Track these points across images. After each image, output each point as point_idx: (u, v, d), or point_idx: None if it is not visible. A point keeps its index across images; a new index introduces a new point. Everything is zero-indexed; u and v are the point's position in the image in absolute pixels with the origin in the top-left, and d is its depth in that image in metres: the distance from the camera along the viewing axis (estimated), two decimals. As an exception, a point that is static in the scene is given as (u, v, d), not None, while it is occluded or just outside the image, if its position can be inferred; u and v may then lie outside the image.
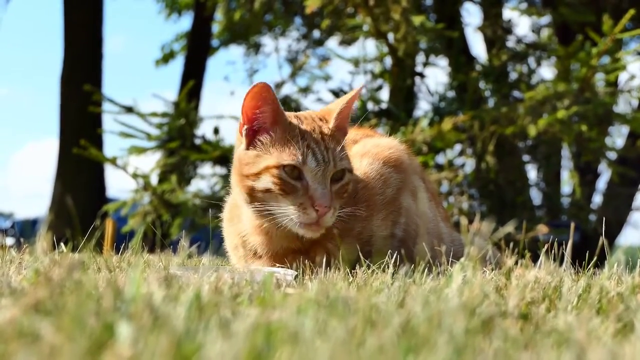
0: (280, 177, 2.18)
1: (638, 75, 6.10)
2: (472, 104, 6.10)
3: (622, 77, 6.71)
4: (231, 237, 2.50)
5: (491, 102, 6.50)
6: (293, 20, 9.00)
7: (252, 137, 2.28)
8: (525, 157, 6.90)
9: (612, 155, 7.33)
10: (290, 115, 2.30)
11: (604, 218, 6.75)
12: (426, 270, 1.92)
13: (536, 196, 7.19)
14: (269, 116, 2.25)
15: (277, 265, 2.31)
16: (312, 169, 2.18)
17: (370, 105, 6.28)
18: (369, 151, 2.48)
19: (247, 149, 2.27)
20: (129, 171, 6.25)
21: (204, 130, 16.28)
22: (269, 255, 2.34)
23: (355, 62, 6.96)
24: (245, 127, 2.27)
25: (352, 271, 2.02)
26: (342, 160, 2.25)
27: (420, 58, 6.93)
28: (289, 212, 2.18)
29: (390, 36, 5.99)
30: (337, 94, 6.48)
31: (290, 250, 2.34)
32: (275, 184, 2.18)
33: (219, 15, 9.23)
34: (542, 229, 5.39)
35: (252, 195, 2.24)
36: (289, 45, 9.27)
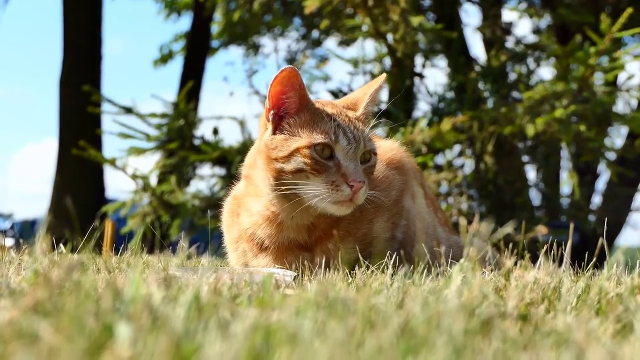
0: (312, 157, 2.20)
1: (637, 75, 6.10)
2: (471, 105, 6.10)
3: (621, 76, 6.71)
4: (232, 231, 2.51)
5: (490, 103, 6.50)
6: (292, 20, 9.00)
7: (278, 122, 2.30)
8: (525, 158, 6.89)
9: (611, 156, 7.33)
10: (313, 101, 2.34)
11: (603, 218, 6.74)
12: (425, 271, 1.92)
13: (535, 197, 7.19)
14: (296, 101, 2.28)
15: (277, 265, 2.32)
16: (344, 147, 2.22)
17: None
18: None
19: (274, 133, 2.29)
20: (128, 172, 6.25)
21: (203, 131, 16.25)
22: (275, 248, 2.35)
23: (355, 63, 6.97)
24: (272, 112, 2.29)
25: (352, 272, 2.02)
26: (370, 141, 2.30)
27: (419, 59, 6.93)
28: (320, 191, 2.20)
29: (390, 37, 5.99)
30: (336, 94, 6.48)
31: (296, 243, 2.35)
32: (306, 164, 2.21)
33: (218, 15, 9.23)
34: (541, 230, 5.39)
35: (281, 179, 2.25)
36: (288, 46, 9.28)
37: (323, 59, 8.88)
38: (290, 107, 2.28)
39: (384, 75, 2.46)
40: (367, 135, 2.30)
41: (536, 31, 8.57)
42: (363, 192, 2.20)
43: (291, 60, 9.15)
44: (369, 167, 2.30)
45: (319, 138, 2.21)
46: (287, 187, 2.23)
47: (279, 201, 2.29)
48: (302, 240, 2.36)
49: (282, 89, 2.26)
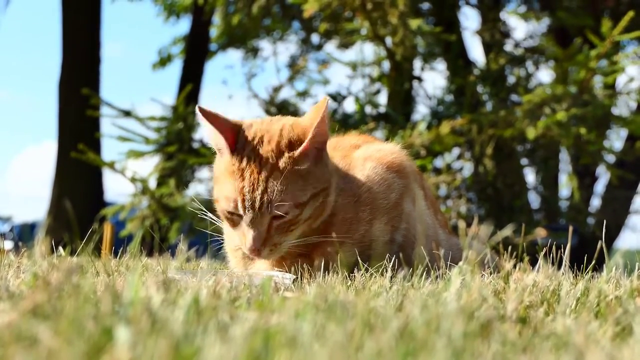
0: (223, 214, 2.24)
1: (636, 78, 6.11)
2: (470, 108, 6.11)
3: (621, 79, 6.72)
4: (232, 238, 2.51)
5: (489, 106, 6.51)
6: (291, 24, 9.01)
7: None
8: (524, 161, 6.90)
9: (611, 158, 7.35)
10: (250, 134, 2.23)
11: (602, 221, 6.75)
12: (424, 274, 1.92)
13: (534, 199, 7.21)
14: (214, 141, 2.26)
15: (276, 269, 2.32)
16: (242, 216, 2.16)
17: (368, 109, 6.30)
18: (371, 155, 2.48)
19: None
20: (127, 175, 6.25)
21: (202, 134, 16.27)
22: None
23: (353, 66, 6.98)
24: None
25: (351, 275, 2.02)
26: (284, 204, 2.14)
27: (418, 62, 6.95)
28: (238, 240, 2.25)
29: (388, 40, 6.00)
30: (335, 97, 6.48)
31: (290, 251, 2.34)
32: (221, 214, 2.25)
33: (217, 19, 9.24)
34: (540, 233, 5.40)
35: None
36: (286, 48, 9.34)
37: (323, 62, 8.89)
38: (215, 145, 2.27)
39: (327, 98, 2.24)
40: (284, 195, 2.13)
41: (534, 35, 8.58)
42: (266, 253, 2.18)
43: (291, 64, 9.16)
44: (286, 222, 2.18)
45: (223, 204, 2.20)
46: None
47: None
48: (298, 249, 2.34)
49: (204, 124, 2.24)
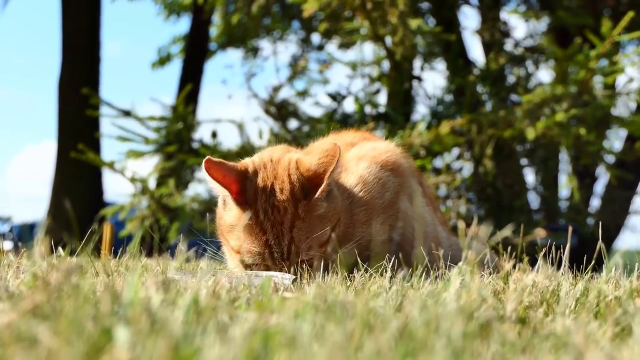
0: (243, 264, 2.19)
1: (636, 78, 6.11)
2: (470, 108, 6.11)
3: (621, 80, 6.72)
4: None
5: (489, 106, 6.51)
6: (291, 24, 9.02)
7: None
8: (523, 161, 6.90)
9: (610, 159, 7.35)
10: (258, 183, 2.19)
11: (601, 221, 6.75)
12: (424, 274, 1.92)
13: (534, 200, 7.21)
14: (227, 193, 2.20)
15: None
16: (273, 266, 2.15)
17: (367, 109, 6.30)
18: (366, 154, 2.47)
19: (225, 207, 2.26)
20: (127, 175, 6.25)
21: (202, 134, 16.30)
22: None
23: (353, 66, 6.98)
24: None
25: (350, 275, 2.02)
26: (311, 248, 2.16)
27: (418, 61, 6.95)
28: None
29: (388, 39, 6.00)
30: (334, 97, 6.48)
31: None
32: (241, 263, 2.21)
33: (216, 18, 9.24)
34: (540, 233, 5.40)
35: None
36: (286, 47, 9.36)
37: (324, 63, 8.89)
38: (221, 197, 2.26)
39: (338, 146, 2.20)
40: (307, 244, 2.14)
41: (534, 34, 8.59)
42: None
43: (292, 64, 9.16)
44: (314, 260, 2.18)
45: (247, 259, 2.16)
46: None
47: None
48: None
49: (214, 177, 2.19)
